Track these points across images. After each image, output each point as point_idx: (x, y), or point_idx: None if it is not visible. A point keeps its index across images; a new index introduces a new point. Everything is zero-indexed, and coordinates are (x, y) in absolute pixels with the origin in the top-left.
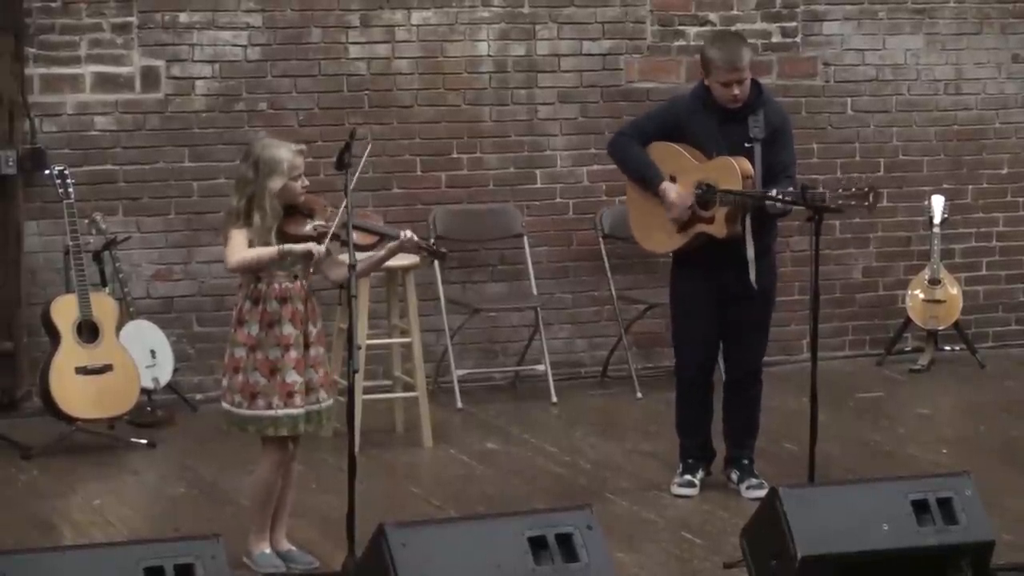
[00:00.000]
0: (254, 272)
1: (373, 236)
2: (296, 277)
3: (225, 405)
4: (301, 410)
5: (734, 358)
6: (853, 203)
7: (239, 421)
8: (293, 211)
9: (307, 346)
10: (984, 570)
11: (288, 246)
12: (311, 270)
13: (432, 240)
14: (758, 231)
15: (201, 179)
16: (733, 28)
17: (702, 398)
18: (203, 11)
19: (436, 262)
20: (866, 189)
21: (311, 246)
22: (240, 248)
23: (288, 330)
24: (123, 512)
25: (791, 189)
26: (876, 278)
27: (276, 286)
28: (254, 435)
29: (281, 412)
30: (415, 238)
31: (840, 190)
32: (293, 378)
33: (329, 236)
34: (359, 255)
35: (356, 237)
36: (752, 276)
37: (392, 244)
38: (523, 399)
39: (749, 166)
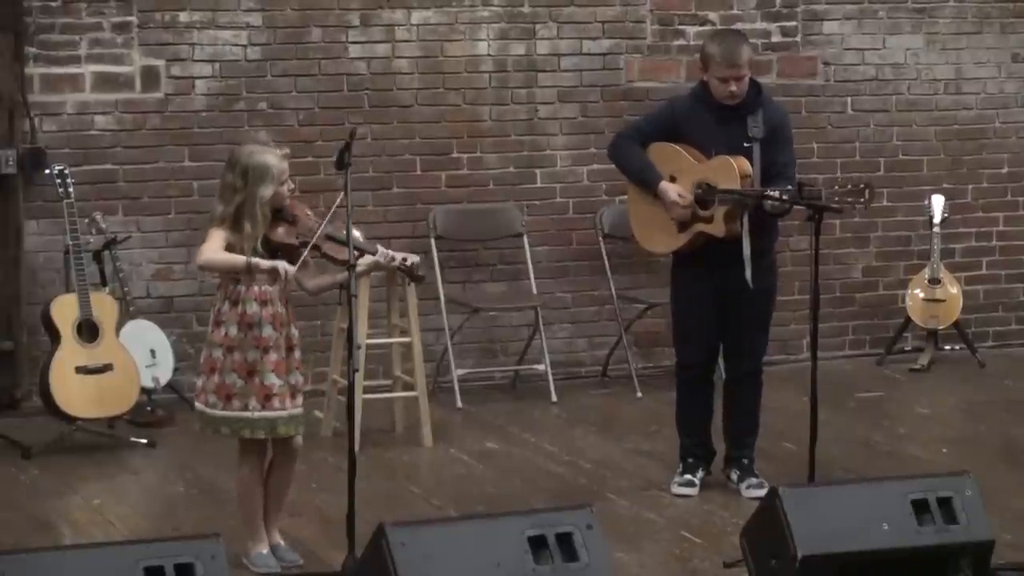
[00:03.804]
0: (226, 274)
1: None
2: (276, 280)
3: (199, 405)
4: (282, 412)
5: (734, 357)
6: (849, 200)
7: (212, 422)
8: (276, 216)
9: (290, 348)
10: (984, 570)
11: (256, 260)
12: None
13: (416, 263)
14: (757, 230)
15: (201, 179)
16: (733, 27)
17: (702, 396)
18: (203, 10)
19: (412, 284)
20: (862, 186)
21: (279, 264)
22: (214, 248)
23: (268, 332)
24: (123, 511)
25: (788, 188)
26: (876, 278)
27: (256, 288)
28: (228, 436)
29: (257, 415)
30: (394, 258)
31: (836, 187)
32: (272, 380)
33: (309, 247)
34: (337, 269)
35: (334, 251)
36: (748, 274)
37: (370, 262)
38: (523, 399)
39: (748, 165)
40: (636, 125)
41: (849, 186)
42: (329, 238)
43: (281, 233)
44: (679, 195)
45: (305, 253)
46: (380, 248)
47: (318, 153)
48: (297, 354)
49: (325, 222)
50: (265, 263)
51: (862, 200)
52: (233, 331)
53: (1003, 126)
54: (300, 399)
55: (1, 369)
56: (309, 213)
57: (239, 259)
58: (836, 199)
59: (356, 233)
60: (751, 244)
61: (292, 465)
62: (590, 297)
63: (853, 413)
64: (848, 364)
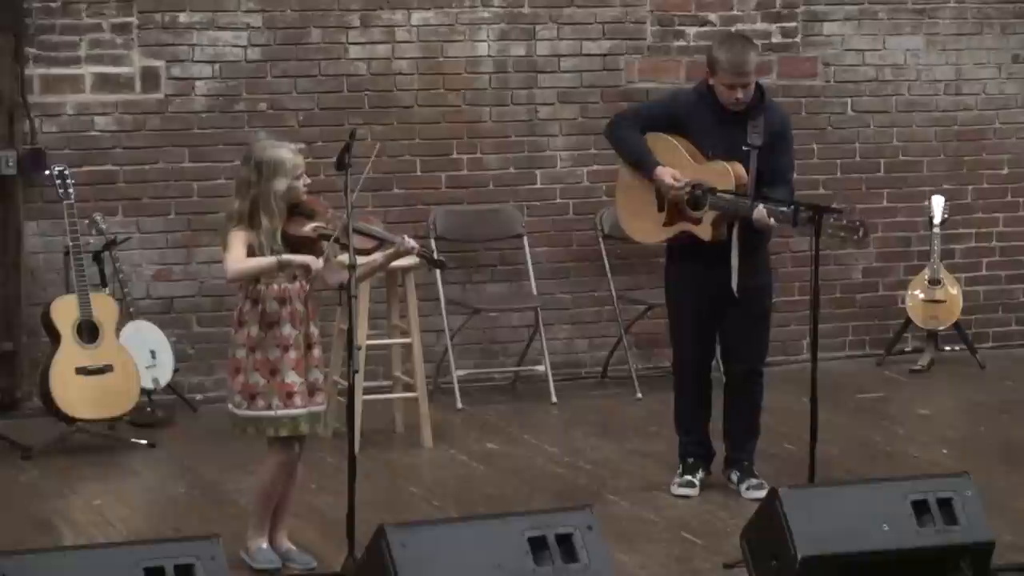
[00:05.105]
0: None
1: (372, 240)
2: (295, 277)
3: (229, 407)
4: (302, 410)
5: (732, 358)
6: (842, 235)
7: (240, 422)
8: (294, 211)
9: (309, 346)
10: (984, 570)
11: (287, 257)
12: (310, 275)
13: (433, 245)
14: (747, 234)
15: (201, 179)
16: (733, 28)
17: (698, 392)
18: (203, 11)
19: (435, 269)
20: (857, 223)
21: (310, 259)
22: (239, 256)
23: (288, 331)
24: (123, 512)
25: (782, 209)
26: (876, 278)
27: (275, 287)
28: (254, 436)
29: (281, 412)
30: (415, 246)
31: (833, 219)
32: (293, 379)
33: (331, 239)
34: (358, 259)
35: (355, 241)
36: (734, 283)
37: (390, 251)
38: (523, 399)
39: (744, 172)
40: (637, 109)
41: (845, 221)
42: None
43: (300, 228)
44: (674, 178)
45: (327, 246)
46: (402, 238)
47: (318, 154)
48: (316, 352)
49: (343, 214)
50: (297, 258)
51: (855, 238)
52: (255, 330)
53: (1003, 127)
54: (320, 396)
55: (1, 370)
56: (327, 207)
57: (269, 260)
58: (830, 231)
59: (376, 227)
60: (740, 247)
61: (296, 466)
62: (590, 298)
63: (853, 414)
64: (848, 364)
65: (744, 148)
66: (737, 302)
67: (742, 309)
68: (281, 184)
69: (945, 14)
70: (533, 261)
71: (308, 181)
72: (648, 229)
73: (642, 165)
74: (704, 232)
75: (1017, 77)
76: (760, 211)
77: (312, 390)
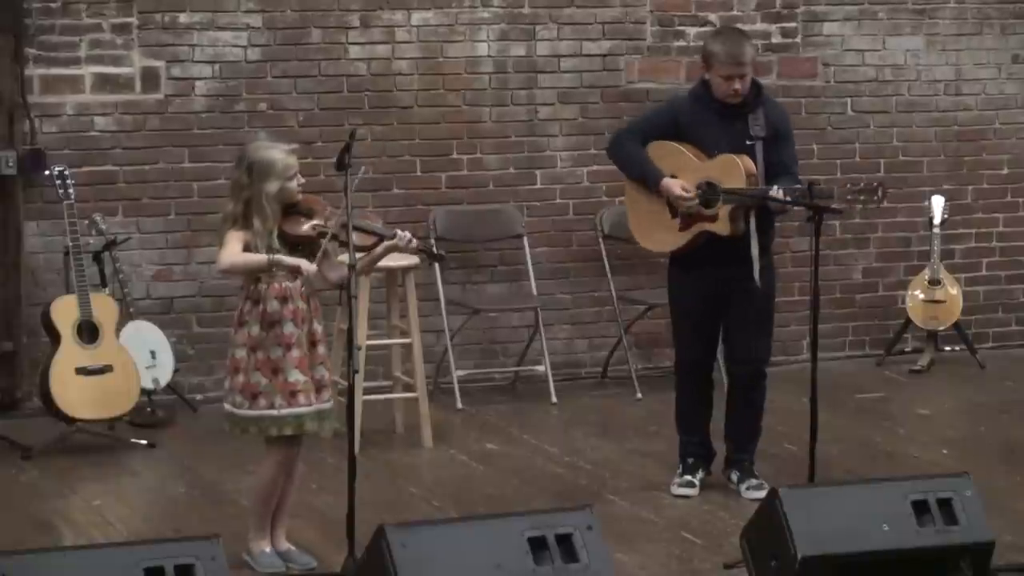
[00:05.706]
0: (247, 274)
1: (371, 237)
2: (298, 277)
3: (226, 407)
4: (308, 408)
5: (736, 359)
6: (862, 198)
7: (240, 422)
8: (291, 210)
9: (313, 344)
10: (984, 571)
11: (278, 257)
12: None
13: (432, 242)
14: (761, 229)
15: (201, 179)
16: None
17: (701, 394)
18: (203, 11)
19: (434, 264)
20: (875, 184)
21: (301, 263)
22: (233, 251)
23: (290, 329)
24: (123, 512)
25: (797, 186)
26: (876, 279)
27: (276, 285)
28: (256, 436)
29: (285, 411)
30: (413, 240)
31: (848, 185)
32: (296, 377)
33: (328, 237)
34: (356, 255)
35: (355, 238)
36: (756, 273)
37: (388, 243)
38: (523, 399)
39: (752, 164)
40: (636, 123)
41: (862, 184)
42: (347, 227)
43: (298, 227)
44: (683, 189)
45: (325, 243)
46: (398, 232)
47: (318, 154)
48: (321, 349)
49: (341, 211)
50: (288, 260)
51: (876, 198)
52: (255, 330)
53: (1003, 127)
54: (327, 394)
55: (1, 370)
56: (325, 205)
57: (260, 258)
58: (849, 196)
59: (375, 223)
60: (757, 240)
61: (295, 466)
62: (590, 298)
63: (853, 414)
64: (848, 365)
65: (748, 142)
66: (740, 304)
67: (745, 311)
68: (272, 186)
69: (945, 14)
70: (533, 261)
71: (302, 181)
72: (666, 238)
73: (647, 179)
74: (723, 228)
75: (1017, 77)
76: (776, 191)
77: (319, 387)
